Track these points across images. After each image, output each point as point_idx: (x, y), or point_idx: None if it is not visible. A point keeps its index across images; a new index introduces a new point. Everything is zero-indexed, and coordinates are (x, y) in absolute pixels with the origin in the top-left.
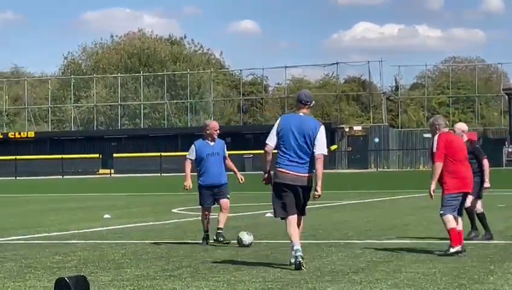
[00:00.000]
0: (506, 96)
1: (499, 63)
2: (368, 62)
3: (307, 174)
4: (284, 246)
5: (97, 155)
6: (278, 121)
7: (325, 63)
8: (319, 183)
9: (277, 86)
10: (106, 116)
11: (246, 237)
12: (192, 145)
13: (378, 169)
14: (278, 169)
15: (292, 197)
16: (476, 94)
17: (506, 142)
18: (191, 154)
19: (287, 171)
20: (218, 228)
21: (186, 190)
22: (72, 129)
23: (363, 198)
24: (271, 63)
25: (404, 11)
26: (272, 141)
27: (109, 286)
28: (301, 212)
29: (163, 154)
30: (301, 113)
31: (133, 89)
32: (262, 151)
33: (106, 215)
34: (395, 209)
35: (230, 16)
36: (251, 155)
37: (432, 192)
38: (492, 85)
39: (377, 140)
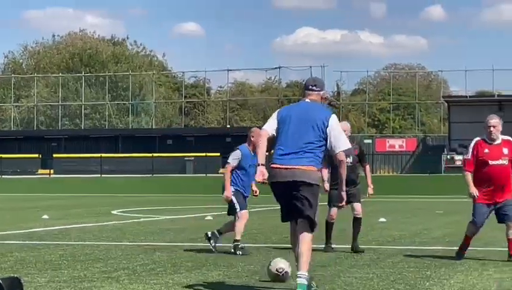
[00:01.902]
0: (446, 104)
1: (439, 71)
2: (310, 67)
3: (305, 166)
4: (224, 249)
5: (37, 155)
6: (278, 110)
7: (268, 67)
8: (344, 187)
9: (219, 88)
10: (47, 116)
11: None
12: (238, 151)
13: None
14: (271, 165)
15: (288, 200)
16: (416, 101)
17: (445, 149)
18: (234, 161)
19: (279, 165)
20: (236, 240)
21: (228, 202)
22: (12, 129)
23: None
24: (214, 66)
25: (347, 17)
26: (269, 125)
27: (45, 287)
28: (296, 217)
29: (103, 155)
30: (307, 100)
31: (74, 89)
32: (203, 154)
33: (45, 216)
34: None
35: (174, 17)
36: (192, 158)
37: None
38: (433, 92)
39: None
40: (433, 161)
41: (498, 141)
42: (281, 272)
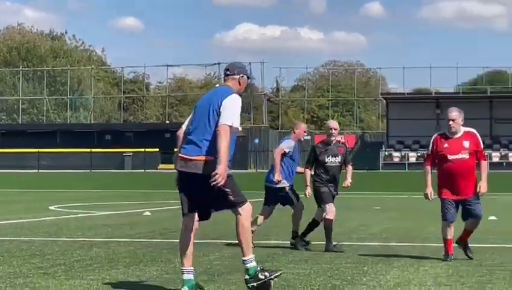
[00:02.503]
0: (384, 101)
1: (377, 68)
2: (250, 63)
3: (202, 157)
4: (162, 245)
5: None
6: None
7: (207, 63)
8: (221, 165)
9: (158, 84)
10: None
11: None
12: (291, 141)
13: (258, 170)
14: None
15: (187, 192)
16: (355, 98)
17: (383, 146)
18: (288, 149)
19: (180, 155)
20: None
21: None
22: None
23: None
24: (153, 61)
25: (286, 13)
26: (185, 123)
27: None
28: (219, 208)
29: (41, 150)
30: (217, 85)
31: (12, 83)
32: (142, 150)
33: None
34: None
35: (114, 12)
36: (131, 153)
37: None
38: (371, 89)
39: (257, 141)
40: (371, 157)
41: (458, 135)
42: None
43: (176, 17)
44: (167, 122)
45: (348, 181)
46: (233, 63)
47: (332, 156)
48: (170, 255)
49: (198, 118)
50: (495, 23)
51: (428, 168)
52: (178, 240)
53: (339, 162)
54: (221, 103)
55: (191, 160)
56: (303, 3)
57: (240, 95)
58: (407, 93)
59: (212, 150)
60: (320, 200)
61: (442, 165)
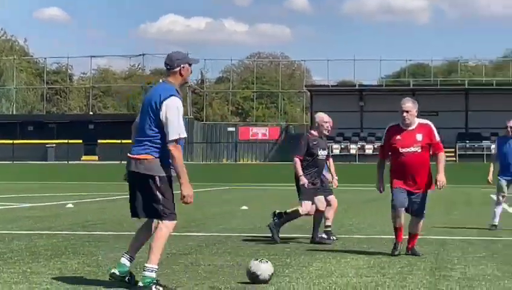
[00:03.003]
0: (309, 93)
1: (302, 60)
2: None
3: (142, 156)
4: (84, 237)
5: None
6: None
7: (131, 54)
8: (182, 180)
9: (82, 75)
10: None
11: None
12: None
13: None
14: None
15: (133, 192)
16: (279, 90)
17: None
18: None
19: (128, 154)
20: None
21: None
22: None
23: None
24: (77, 52)
25: (211, 5)
26: (136, 119)
27: None
28: (146, 214)
29: None
30: (160, 80)
31: None
32: (65, 141)
33: None
34: (197, 202)
35: (37, 2)
36: (54, 145)
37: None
38: (296, 81)
39: None
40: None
41: (412, 127)
42: (269, 279)
43: (101, 7)
44: (91, 113)
45: (336, 180)
46: (171, 56)
47: (322, 150)
48: (92, 247)
49: (142, 116)
50: (418, 17)
51: (380, 160)
52: (100, 233)
53: (326, 156)
54: (160, 104)
55: (133, 159)
56: None
57: (186, 83)
58: (331, 86)
59: (153, 149)
60: (301, 194)
61: (394, 158)
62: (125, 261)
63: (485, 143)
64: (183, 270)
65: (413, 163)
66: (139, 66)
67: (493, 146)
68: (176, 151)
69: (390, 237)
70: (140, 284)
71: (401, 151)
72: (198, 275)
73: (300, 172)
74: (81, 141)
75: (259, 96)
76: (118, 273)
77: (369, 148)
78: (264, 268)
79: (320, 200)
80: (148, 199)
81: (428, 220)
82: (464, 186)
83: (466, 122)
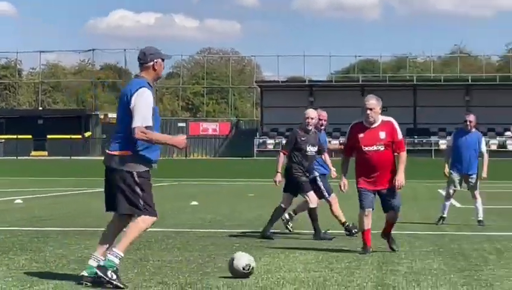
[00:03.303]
0: (259, 88)
1: (252, 56)
2: (125, 50)
3: (117, 152)
4: (32, 233)
5: None
6: None
7: (81, 49)
8: (168, 143)
9: (31, 70)
10: None
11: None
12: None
13: None
14: None
15: (108, 187)
16: (229, 85)
17: (257, 133)
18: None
19: (106, 150)
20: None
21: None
22: None
23: None
24: (26, 47)
25: (161, 0)
26: None
27: None
28: (124, 208)
29: None
30: (133, 76)
31: None
32: (14, 136)
33: None
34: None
35: None
36: (3, 140)
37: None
38: (246, 77)
39: None
40: (245, 144)
41: (375, 124)
42: (247, 270)
43: (50, 2)
44: (40, 108)
45: (333, 171)
46: (144, 50)
47: (311, 146)
48: (40, 243)
49: (117, 113)
50: (368, 13)
51: (345, 157)
52: (49, 228)
53: (316, 152)
54: (131, 97)
55: (111, 154)
56: None
57: (159, 78)
58: (281, 81)
59: (127, 144)
60: (302, 190)
61: (358, 156)
62: (93, 262)
63: (433, 138)
64: (131, 266)
65: (377, 161)
66: (89, 62)
67: (442, 141)
68: (142, 135)
69: (339, 231)
70: (101, 263)
71: (364, 149)
72: (147, 270)
73: (279, 168)
74: (30, 136)
75: (209, 92)
76: (87, 274)
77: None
78: (242, 257)
79: (311, 195)
80: (127, 195)
81: (376, 215)
82: (411, 181)
83: (414, 117)
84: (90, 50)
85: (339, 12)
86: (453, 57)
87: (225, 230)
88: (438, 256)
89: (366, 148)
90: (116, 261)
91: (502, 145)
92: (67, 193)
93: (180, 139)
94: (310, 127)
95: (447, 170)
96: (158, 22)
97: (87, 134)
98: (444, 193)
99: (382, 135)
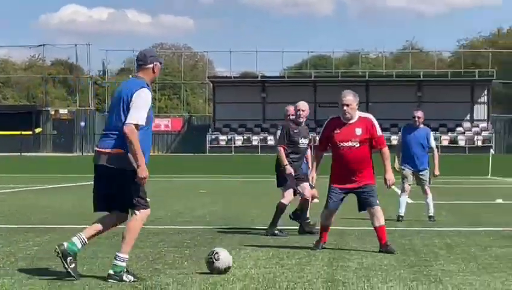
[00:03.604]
0: (211, 84)
1: (204, 51)
2: (76, 45)
3: (112, 150)
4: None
5: None
6: None
7: (32, 44)
8: (139, 162)
9: None
10: None
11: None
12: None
13: (84, 153)
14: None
15: (100, 186)
16: (182, 81)
17: (209, 129)
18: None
19: (95, 148)
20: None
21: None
22: None
23: (68, 182)
24: None
25: None
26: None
27: None
28: (120, 207)
29: None
30: (130, 76)
31: None
32: None
33: None
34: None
35: None
36: None
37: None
38: (199, 73)
39: (83, 124)
40: (198, 140)
41: (352, 120)
42: (228, 269)
43: None
44: None
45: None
46: (144, 52)
47: (303, 138)
48: None
49: (111, 110)
50: (320, 9)
51: (317, 152)
52: None
53: (307, 145)
54: (131, 96)
55: (102, 153)
56: None
57: (153, 81)
58: (234, 77)
59: (123, 143)
60: (284, 182)
61: (334, 152)
62: (76, 240)
63: (385, 134)
64: (80, 263)
65: (351, 158)
66: (39, 57)
67: (394, 137)
68: (132, 135)
69: (290, 227)
70: (111, 271)
71: (339, 145)
72: (96, 267)
73: (285, 161)
74: None
75: (161, 88)
76: (65, 247)
77: (271, 140)
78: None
79: (305, 187)
80: (122, 193)
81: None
82: None
83: None
84: (40, 45)
85: (292, 8)
86: (405, 53)
87: (176, 227)
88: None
89: (341, 144)
90: (124, 264)
91: (454, 141)
92: (17, 189)
93: (145, 174)
94: (301, 119)
95: (397, 165)
96: (111, 17)
97: (37, 130)
98: (398, 190)
99: (358, 131)
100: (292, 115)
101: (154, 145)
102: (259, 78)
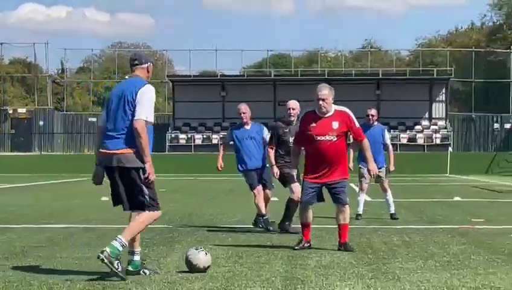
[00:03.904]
0: (171, 83)
1: (164, 50)
2: (34, 44)
3: (123, 150)
4: None
5: None
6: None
7: None
8: (147, 158)
9: None
10: None
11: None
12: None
13: (42, 152)
14: (99, 150)
15: (114, 186)
16: None
17: (169, 128)
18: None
19: (102, 150)
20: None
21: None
22: None
23: (26, 181)
24: None
25: None
26: (101, 117)
27: None
28: (132, 206)
29: None
30: (127, 77)
31: None
32: None
33: None
34: (58, 194)
35: None
36: None
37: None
38: (158, 71)
39: (41, 123)
40: (157, 139)
41: (329, 114)
42: (207, 269)
43: None
44: None
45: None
46: (139, 53)
47: (293, 137)
48: None
49: (113, 111)
50: (280, 8)
51: (295, 148)
52: None
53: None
54: (136, 94)
55: (113, 154)
56: None
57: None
58: (193, 76)
59: (132, 142)
60: (287, 181)
61: (309, 146)
62: (135, 257)
63: None
64: (38, 263)
65: (328, 152)
66: None
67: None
68: (143, 129)
69: (249, 226)
70: (107, 249)
71: (316, 139)
72: (54, 267)
73: (273, 162)
74: None
75: None
76: (109, 251)
77: (216, 138)
78: (202, 259)
79: (295, 188)
80: (133, 192)
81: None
82: None
83: None
84: None
85: (252, 6)
86: (364, 51)
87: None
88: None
89: (319, 138)
90: (120, 248)
91: (412, 139)
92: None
93: (153, 169)
94: (292, 118)
95: (351, 164)
96: (69, 16)
97: None
98: (356, 187)
99: (335, 124)
100: (243, 112)
101: None
102: (218, 77)
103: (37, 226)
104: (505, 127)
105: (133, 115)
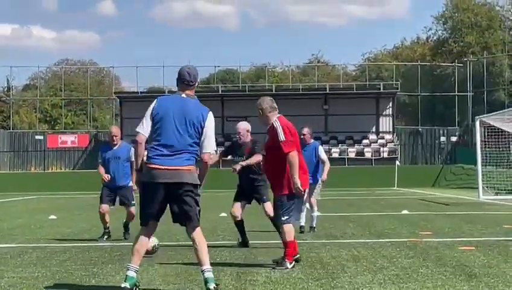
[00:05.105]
0: (118, 100)
1: (111, 67)
2: None
3: (185, 167)
4: None
5: None
6: (152, 104)
7: None
8: (204, 183)
9: None
10: None
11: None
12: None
13: None
14: (149, 165)
15: (162, 201)
16: (88, 97)
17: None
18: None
19: (159, 166)
20: None
21: None
22: None
23: None
24: None
25: (18, 11)
26: (143, 128)
27: None
28: (185, 219)
29: None
30: (183, 95)
31: None
32: None
33: None
34: (5, 212)
35: None
36: None
37: (301, 187)
38: (105, 88)
39: None
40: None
41: (268, 127)
42: (156, 249)
43: None
44: None
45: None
46: (194, 72)
47: (239, 157)
48: None
49: (172, 130)
50: (226, 24)
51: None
52: None
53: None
54: (204, 120)
55: (175, 170)
56: (35, 1)
57: None
58: (141, 92)
59: (193, 160)
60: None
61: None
62: (131, 273)
63: None
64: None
65: (266, 166)
66: None
67: None
68: (210, 162)
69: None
70: (212, 285)
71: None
72: (2, 288)
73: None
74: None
75: (67, 104)
76: (128, 286)
77: None
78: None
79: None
80: (186, 207)
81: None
82: None
83: None
84: None
85: (198, 22)
86: (311, 66)
87: (83, 244)
88: (296, 265)
89: (263, 152)
90: (212, 275)
91: (360, 153)
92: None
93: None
94: (236, 139)
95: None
96: (15, 33)
97: None
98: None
99: (267, 138)
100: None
101: (61, 162)
102: (166, 93)
103: None
104: (451, 140)
105: (198, 138)
